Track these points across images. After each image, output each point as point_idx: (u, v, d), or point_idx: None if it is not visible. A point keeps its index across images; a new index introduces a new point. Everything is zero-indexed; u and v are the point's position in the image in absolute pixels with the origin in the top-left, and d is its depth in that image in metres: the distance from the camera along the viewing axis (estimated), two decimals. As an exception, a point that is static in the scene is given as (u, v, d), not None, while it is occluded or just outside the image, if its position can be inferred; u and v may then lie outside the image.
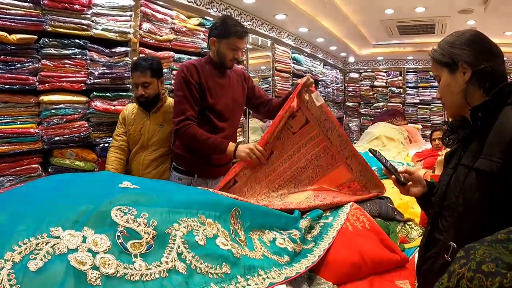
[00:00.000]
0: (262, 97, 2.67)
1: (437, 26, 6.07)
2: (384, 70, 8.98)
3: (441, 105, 8.14)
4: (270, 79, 5.31)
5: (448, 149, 1.40)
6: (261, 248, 1.42)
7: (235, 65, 2.50)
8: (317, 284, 1.51)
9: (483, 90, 1.18)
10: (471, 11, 5.08)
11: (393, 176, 1.45)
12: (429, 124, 8.29)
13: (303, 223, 1.75)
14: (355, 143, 6.13)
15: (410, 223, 2.28)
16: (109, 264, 0.97)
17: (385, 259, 1.72)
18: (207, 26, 3.67)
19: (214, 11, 4.06)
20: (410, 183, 1.44)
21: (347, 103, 9.48)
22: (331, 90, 8.11)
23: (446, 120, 7.70)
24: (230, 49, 2.32)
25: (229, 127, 2.47)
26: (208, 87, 2.33)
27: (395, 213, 2.25)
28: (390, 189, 2.72)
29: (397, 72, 8.82)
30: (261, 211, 1.67)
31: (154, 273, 1.02)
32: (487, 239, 0.77)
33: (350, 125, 9.27)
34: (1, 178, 2.24)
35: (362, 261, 1.65)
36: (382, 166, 1.48)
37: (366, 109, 9.23)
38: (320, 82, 7.26)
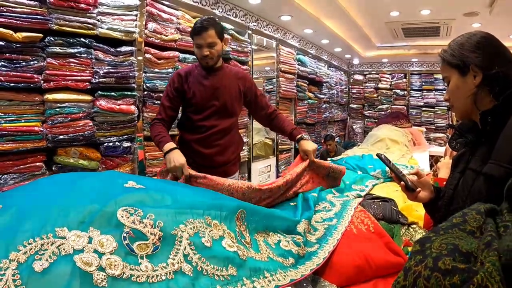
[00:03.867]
0: (264, 108, 2.69)
1: (442, 28, 6.06)
2: (389, 72, 8.96)
3: (445, 108, 8.13)
4: (274, 80, 5.31)
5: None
6: (266, 250, 1.41)
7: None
8: (321, 286, 1.50)
9: (493, 95, 1.16)
10: (477, 14, 5.06)
11: (402, 182, 1.44)
12: (433, 127, 8.27)
13: (302, 226, 1.75)
14: (358, 145, 6.12)
15: (414, 226, 2.26)
16: (115, 265, 0.97)
17: (389, 262, 1.71)
18: (212, 27, 3.68)
19: (219, 11, 4.06)
20: (418, 189, 1.42)
21: (351, 105, 9.47)
22: (335, 92, 8.11)
23: (451, 123, 7.68)
24: (197, 48, 2.36)
25: (220, 124, 2.46)
26: (189, 87, 2.40)
27: (399, 216, 2.24)
28: (394, 192, 2.71)
29: (402, 75, 8.80)
30: (265, 213, 1.66)
31: (161, 274, 1.01)
32: (442, 227, 0.77)
33: (354, 127, 9.26)
34: (5, 176, 2.24)
35: (367, 264, 1.64)
36: (389, 171, 1.48)
37: (370, 111, 9.21)
38: (324, 84, 7.24)
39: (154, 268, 1.02)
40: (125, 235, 1.05)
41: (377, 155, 1.59)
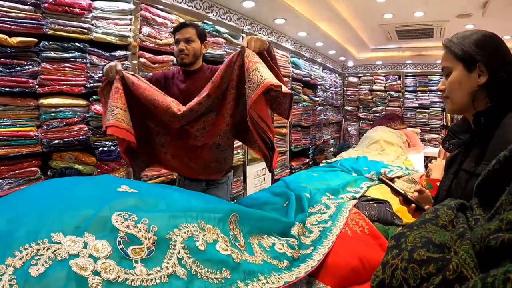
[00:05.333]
0: None
1: (435, 30, 6.10)
2: (383, 74, 9.00)
3: (439, 109, 8.16)
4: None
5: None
6: (260, 253, 1.42)
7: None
8: (316, 288, 1.51)
9: (490, 97, 1.17)
10: (470, 16, 5.10)
11: (400, 197, 1.45)
12: (428, 128, 8.31)
13: (296, 229, 1.75)
14: (353, 147, 6.14)
15: (400, 229, 2.27)
16: (110, 269, 0.97)
17: (384, 264, 1.72)
18: (206, 30, 3.69)
19: (213, 15, 4.07)
20: (427, 206, 1.42)
21: (346, 107, 9.49)
22: (330, 94, 8.13)
23: (445, 124, 7.70)
24: (175, 44, 2.39)
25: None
26: (168, 88, 2.41)
27: (394, 217, 2.25)
28: (389, 193, 2.73)
29: (396, 76, 8.84)
30: (258, 215, 1.67)
31: (155, 278, 1.02)
32: (415, 222, 0.80)
33: (349, 129, 9.28)
34: (0, 180, 2.24)
35: (361, 265, 1.65)
36: (390, 190, 1.50)
37: (365, 113, 9.24)
38: (319, 86, 7.27)
39: (149, 272, 1.03)
40: (119, 239, 1.06)
41: (378, 178, 1.62)
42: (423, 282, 0.61)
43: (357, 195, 2.58)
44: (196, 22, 2.39)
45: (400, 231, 0.76)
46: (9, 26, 2.19)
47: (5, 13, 2.17)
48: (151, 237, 1.11)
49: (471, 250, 0.61)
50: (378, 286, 0.70)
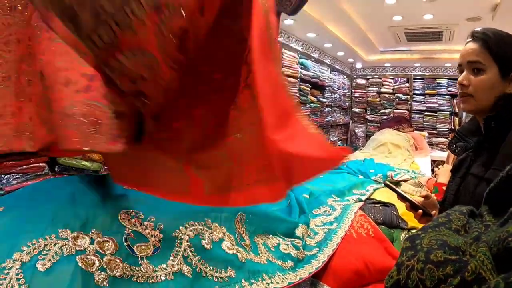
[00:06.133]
0: None
1: (444, 33, 6.06)
2: (391, 77, 8.95)
3: (447, 112, 8.09)
4: (277, 83, 5.31)
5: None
6: (265, 253, 1.43)
7: None
8: (320, 290, 1.52)
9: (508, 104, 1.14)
10: (479, 19, 5.07)
11: (406, 202, 1.44)
12: (435, 132, 8.26)
13: (300, 230, 1.76)
14: (360, 149, 6.12)
15: (414, 231, 2.27)
16: (116, 266, 0.99)
17: (388, 267, 1.70)
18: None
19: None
20: (434, 212, 1.41)
21: (353, 109, 9.46)
22: (338, 96, 8.11)
23: (453, 128, 7.63)
24: None
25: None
26: None
27: (399, 221, 2.25)
28: (395, 196, 2.72)
29: (404, 79, 8.79)
30: (264, 215, 1.68)
31: (160, 275, 1.04)
32: (429, 225, 0.79)
33: (356, 131, 9.25)
34: (8, 176, 2.25)
35: (366, 268, 1.66)
36: (397, 196, 1.48)
37: (372, 116, 9.20)
38: (327, 88, 7.25)
39: (154, 269, 1.04)
40: (126, 236, 1.07)
41: (384, 184, 1.61)
42: (440, 283, 0.61)
43: (363, 198, 2.58)
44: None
45: (414, 233, 0.76)
46: None
47: None
48: (157, 235, 1.12)
49: (488, 252, 0.61)
50: (393, 287, 0.70)
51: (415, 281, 0.65)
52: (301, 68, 5.95)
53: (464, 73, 1.21)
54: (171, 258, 1.10)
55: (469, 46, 1.20)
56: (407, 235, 0.77)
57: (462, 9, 4.78)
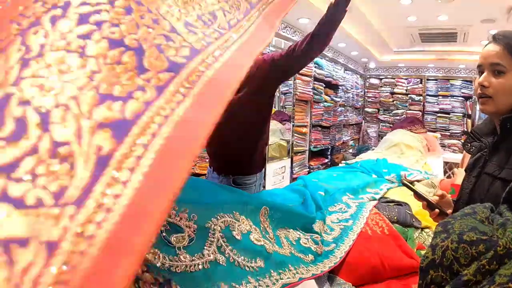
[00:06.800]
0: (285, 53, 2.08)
1: (459, 34, 6.05)
2: (405, 77, 8.93)
3: (460, 114, 8.06)
4: (291, 82, 5.36)
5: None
6: (288, 246, 1.49)
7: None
8: (337, 284, 1.58)
9: None
10: (494, 21, 5.06)
11: (423, 201, 1.44)
12: (448, 133, 8.24)
13: (317, 226, 1.82)
14: (373, 149, 6.15)
15: (428, 230, 2.31)
16: (155, 256, 1.04)
17: (403, 264, 1.77)
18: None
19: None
20: (449, 210, 1.42)
21: (366, 109, 9.46)
22: (351, 95, 8.14)
23: (466, 130, 7.58)
24: None
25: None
26: None
27: (413, 219, 2.30)
28: (409, 196, 2.77)
29: (418, 80, 8.77)
30: (286, 210, 1.73)
31: (197, 264, 1.10)
32: (458, 214, 0.85)
33: (368, 131, 9.25)
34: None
35: (381, 265, 1.71)
36: (413, 194, 1.49)
37: (385, 116, 9.19)
38: (340, 87, 7.28)
39: (192, 258, 1.11)
40: (162, 228, 1.14)
41: (401, 182, 1.63)
42: (474, 260, 0.67)
43: (377, 196, 2.63)
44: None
45: (445, 220, 0.82)
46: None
47: None
48: (191, 226, 1.18)
49: None
50: (428, 265, 0.76)
51: (450, 259, 0.71)
52: (315, 67, 5.99)
53: (485, 74, 1.21)
54: (206, 247, 1.15)
55: (490, 47, 1.21)
56: (438, 227, 0.83)
57: (476, 11, 4.79)
